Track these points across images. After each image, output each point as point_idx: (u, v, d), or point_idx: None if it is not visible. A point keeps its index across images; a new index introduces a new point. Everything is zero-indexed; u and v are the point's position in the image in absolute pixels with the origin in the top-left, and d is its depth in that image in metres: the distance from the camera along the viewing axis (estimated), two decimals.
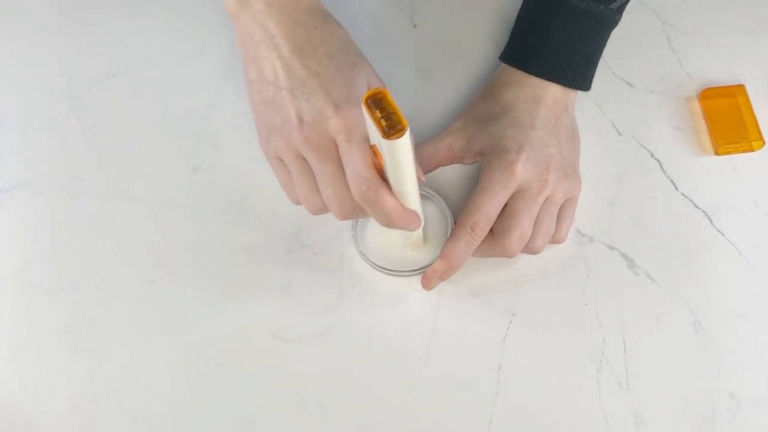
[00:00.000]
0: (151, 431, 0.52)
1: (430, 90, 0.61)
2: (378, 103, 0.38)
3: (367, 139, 0.43)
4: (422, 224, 0.48)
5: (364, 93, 0.43)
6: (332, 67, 0.45)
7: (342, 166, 0.44)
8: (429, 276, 0.52)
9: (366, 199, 0.43)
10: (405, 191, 0.44)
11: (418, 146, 0.56)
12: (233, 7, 0.47)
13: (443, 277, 0.52)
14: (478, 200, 0.51)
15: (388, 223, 0.44)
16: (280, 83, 0.45)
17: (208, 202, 0.57)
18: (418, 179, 0.45)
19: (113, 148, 0.59)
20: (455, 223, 0.53)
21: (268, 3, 0.46)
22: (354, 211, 0.46)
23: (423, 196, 0.56)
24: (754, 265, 0.57)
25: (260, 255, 0.54)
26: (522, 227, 0.52)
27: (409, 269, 0.54)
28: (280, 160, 0.47)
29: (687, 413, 0.53)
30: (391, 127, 0.37)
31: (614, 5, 0.54)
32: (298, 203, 0.49)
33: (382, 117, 0.37)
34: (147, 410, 0.52)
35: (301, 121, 0.44)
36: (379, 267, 0.54)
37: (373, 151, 0.42)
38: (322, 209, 0.48)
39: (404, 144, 0.38)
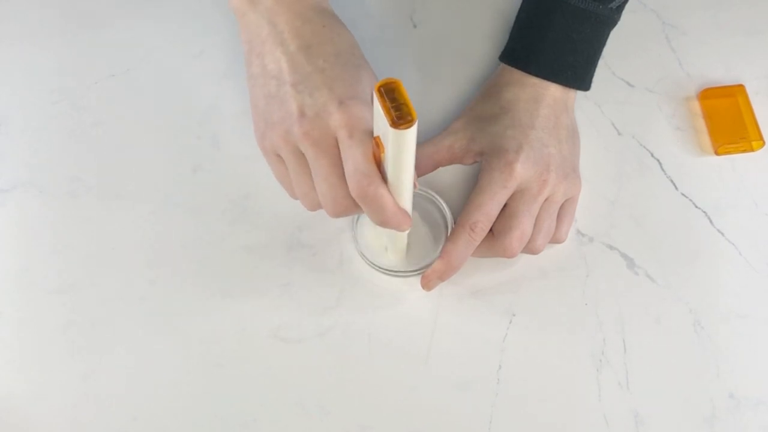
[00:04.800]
0: (151, 431, 0.52)
1: (430, 90, 0.61)
2: (390, 93, 0.37)
3: (369, 135, 0.43)
4: (411, 227, 0.48)
5: (368, 92, 0.43)
6: (338, 65, 0.45)
7: (339, 163, 0.44)
8: (428, 276, 0.52)
9: (365, 194, 0.42)
10: (401, 188, 0.43)
11: (418, 146, 0.56)
12: (240, 3, 0.47)
13: (443, 277, 0.52)
14: (477, 200, 0.51)
15: (383, 221, 0.44)
16: (284, 77, 0.45)
17: (208, 202, 0.57)
18: (414, 184, 0.45)
19: (113, 148, 0.59)
20: (455, 223, 0.53)
21: (276, 0, 0.46)
22: (347, 209, 0.45)
23: (422, 197, 0.56)
24: (754, 265, 0.57)
25: (260, 255, 0.54)
26: (522, 227, 0.52)
27: (409, 269, 0.54)
28: (278, 155, 0.47)
29: (687, 413, 0.53)
30: (401, 118, 0.37)
31: (613, 5, 0.54)
32: (296, 198, 0.49)
33: (392, 107, 0.37)
34: (147, 410, 0.52)
35: (302, 115, 0.44)
36: (379, 267, 0.54)
37: (376, 143, 0.42)
38: (319, 206, 0.47)
39: (410, 136, 0.38)
